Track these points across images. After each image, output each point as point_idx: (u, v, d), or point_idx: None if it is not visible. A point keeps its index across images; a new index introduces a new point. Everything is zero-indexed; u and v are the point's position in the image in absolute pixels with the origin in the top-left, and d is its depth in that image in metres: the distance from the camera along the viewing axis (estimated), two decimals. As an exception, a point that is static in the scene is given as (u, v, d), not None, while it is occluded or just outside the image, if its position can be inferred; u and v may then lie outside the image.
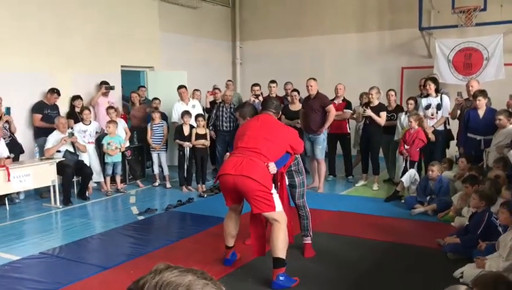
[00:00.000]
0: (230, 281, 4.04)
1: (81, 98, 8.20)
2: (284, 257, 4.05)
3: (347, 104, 8.16)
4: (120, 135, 7.91)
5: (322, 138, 7.53)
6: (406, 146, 7.05)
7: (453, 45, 9.69)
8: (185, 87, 8.64)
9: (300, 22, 11.58)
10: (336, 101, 8.22)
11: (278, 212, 4.07)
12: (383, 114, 7.63)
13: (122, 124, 8.22)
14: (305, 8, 11.52)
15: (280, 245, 4.03)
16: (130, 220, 6.26)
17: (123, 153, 8.00)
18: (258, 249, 4.39)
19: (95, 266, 4.56)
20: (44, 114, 7.67)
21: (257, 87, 8.19)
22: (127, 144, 8.17)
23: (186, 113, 7.95)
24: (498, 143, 6.10)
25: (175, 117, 8.46)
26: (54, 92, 7.74)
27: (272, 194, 4.03)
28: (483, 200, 4.53)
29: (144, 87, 9.78)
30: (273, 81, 8.89)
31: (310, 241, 4.87)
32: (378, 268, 4.49)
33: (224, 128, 8.48)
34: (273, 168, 4.07)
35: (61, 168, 7.00)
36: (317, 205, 6.60)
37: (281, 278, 3.97)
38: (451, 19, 9.46)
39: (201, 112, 8.56)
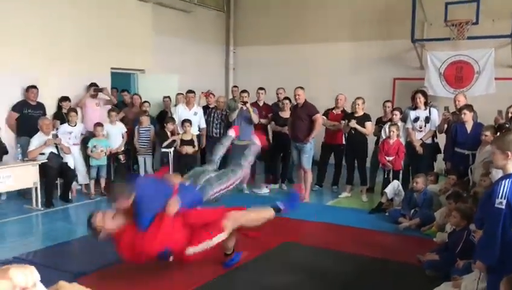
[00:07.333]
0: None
1: (69, 100, 8.12)
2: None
3: (345, 115, 8.10)
4: (105, 139, 7.83)
5: (309, 147, 7.47)
6: (387, 157, 7.09)
7: (444, 58, 9.69)
8: (194, 92, 8.59)
9: (294, 29, 11.56)
10: (334, 111, 8.20)
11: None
12: (368, 124, 7.63)
13: (120, 129, 8.16)
14: (299, 16, 11.51)
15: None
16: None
17: (117, 157, 7.95)
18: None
19: (69, 273, 4.45)
20: (24, 114, 7.54)
21: (245, 94, 8.16)
22: (122, 148, 8.12)
23: (186, 121, 7.89)
24: (484, 160, 6.06)
25: (176, 119, 8.34)
26: (31, 87, 7.58)
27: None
28: (464, 219, 4.49)
29: (127, 91, 9.70)
30: (261, 88, 8.88)
31: None
32: (355, 283, 4.43)
33: (214, 134, 8.44)
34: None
35: (44, 170, 6.92)
36: (300, 216, 6.55)
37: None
38: (444, 31, 9.46)
39: (203, 121, 8.52)
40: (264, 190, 8.24)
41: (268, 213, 4.20)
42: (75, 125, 7.67)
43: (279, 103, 8.75)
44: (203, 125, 8.51)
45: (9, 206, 7.03)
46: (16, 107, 7.57)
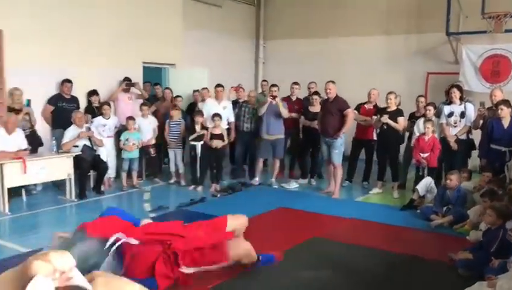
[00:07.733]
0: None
1: (98, 93, 8.26)
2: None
3: (377, 110, 7.95)
4: (138, 132, 7.94)
5: (339, 142, 7.38)
6: (422, 154, 6.94)
7: (481, 52, 9.40)
8: (222, 86, 8.61)
9: (325, 22, 11.44)
10: (366, 106, 8.09)
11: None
12: (401, 119, 7.49)
13: (152, 123, 8.27)
14: (330, 9, 11.38)
15: None
16: (141, 217, 6.23)
17: (148, 151, 8.06)
18: None
19: (101, 263, 4.56)
20: (59, 107, 7.76)
21: (275, 88, 8.11)
22: (153, 141, 8.22)
23: (216, 115, 7.94)
24: (521, 156, 5.89)
25: (205, 113, 8.35)
26: (65, 81, 7.80)
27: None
28: (500, 217, 4.35)
29: (159, 84, 9.79)
30: (296, 83, 8.83)
31: None
32: (385, 281, 4.35)
33: (245, 128, 8.45)
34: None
35: (77, 162, 7.07)
36: (330, 211, 6.53)
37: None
38: (480, 24, 9.17)
39: (232, 114, 8.56)
40: (293, 185, 8.20)
41: (254, 255, 4.23)
42: (109, 118, 7.80)
43: (309, 97, 8.68)
44: (232, 119, 8.52)
45: (44, 197, 7.22)
46: (51, 100, 7.78)
